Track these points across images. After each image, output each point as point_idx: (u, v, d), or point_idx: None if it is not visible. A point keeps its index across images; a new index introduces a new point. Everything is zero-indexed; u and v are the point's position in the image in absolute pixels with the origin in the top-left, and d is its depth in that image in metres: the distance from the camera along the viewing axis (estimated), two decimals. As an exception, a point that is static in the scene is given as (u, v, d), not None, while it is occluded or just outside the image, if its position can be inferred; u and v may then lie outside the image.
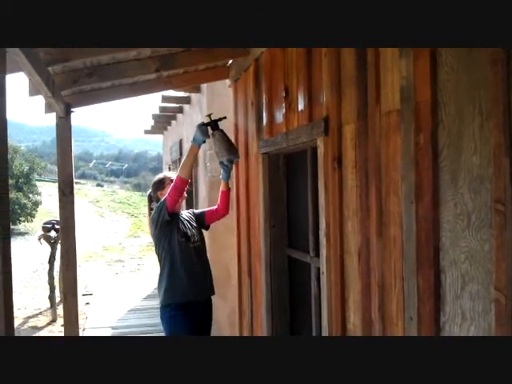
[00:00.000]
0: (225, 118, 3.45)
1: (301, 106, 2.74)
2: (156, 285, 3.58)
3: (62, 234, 3.50)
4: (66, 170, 3.52)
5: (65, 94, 3.58)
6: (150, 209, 3.69)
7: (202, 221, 3.68)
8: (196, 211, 3.80)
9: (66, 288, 3.45)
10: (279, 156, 3.45)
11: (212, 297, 4.66)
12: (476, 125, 1.46)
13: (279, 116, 3.13)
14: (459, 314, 1.57)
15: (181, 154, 7.61)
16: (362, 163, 2.09)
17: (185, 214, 3.67)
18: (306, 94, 2.64)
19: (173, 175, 3.60)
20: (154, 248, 3.55)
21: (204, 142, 3.36)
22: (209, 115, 3.37)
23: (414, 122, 1.69)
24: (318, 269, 2.81)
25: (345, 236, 2.33)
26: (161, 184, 3.63)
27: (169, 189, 3.37)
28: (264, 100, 3.40)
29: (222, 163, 3.41)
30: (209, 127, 3.31)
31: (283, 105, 3.01)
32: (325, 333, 2.53)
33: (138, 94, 3.98)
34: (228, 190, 3.61)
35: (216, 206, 3.71)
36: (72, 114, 3.82)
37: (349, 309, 2.33)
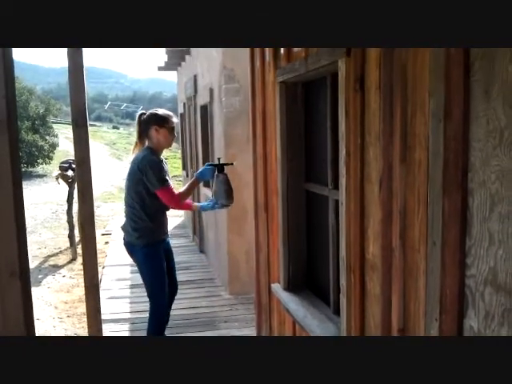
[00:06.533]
0: (232, 164, 4.00)
1: (321, 28, 2.58)
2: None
3: (77, 166, 3.44)
4: (78, 100, 3.42)
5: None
6: (140, 129, 3.79)
7: None
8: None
9: (83, 219, 3.43)
10: (297, 85, 3.31)
11: (229, 234, 5.38)
12: (514, 31, 1.33)
13: (297, 41, 2.98)
14: (486, 238, 1.49)
15: (195, 90, 7.46)
16: (386, 83, 1.97)
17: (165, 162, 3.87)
18: (329, 47, 2.48)
19: (175, 122, 3.82)
20: (128, 184, 3.77)
21: (208, 180, 3.92)
22: (218, 158, 3.90)
23: (445, 32, 1.56)
24: (336, 201, 2.75)
25: (366, 164, 2.24)
26: (163, 121, 3.71)
27: (165, 131, 3.69)
28: (281, 25, 3.24)
29: (214, 202, 3.82)
30: (216, 168, 3.77)
31: (302, 28, 2.85)
32: (342, 263, 2.49)
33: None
34: (193, 210, 4.39)
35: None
36: (84, 54, 3.67)
37: (368, 238, 2.27)
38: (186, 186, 3.84)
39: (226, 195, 3.74)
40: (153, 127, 3.68)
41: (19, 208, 1.50)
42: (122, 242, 3.94)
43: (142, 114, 3.80)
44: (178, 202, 3.73)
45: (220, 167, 3.76)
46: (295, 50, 3.04)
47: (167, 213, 3.94)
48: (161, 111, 3.79)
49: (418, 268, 1.85)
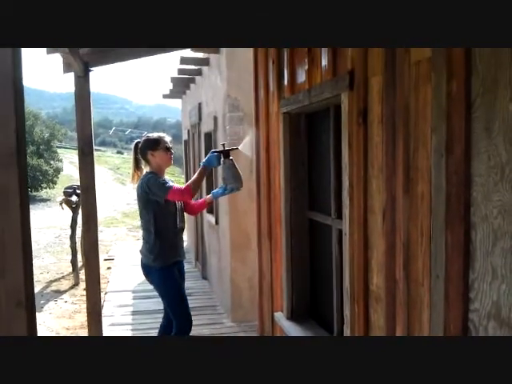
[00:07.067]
0: (236, 148, 3.89)
1: (324, 61, 2.64)
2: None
3: (83, 193, 3.50)
4: (85, 129, 3.49)
5: (83, 52, 3.52)
6: (136, 158, 3.88)
7: None
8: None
9: (88, 247, 3.46)
10: (301, 115, 3.36)
11: (232, 261, 5.30)
12: (514, 70, 1.36)
13: (301, 72, 3.03)
14: (489, 272, 1.50)
15: (200, 118, 7.53)
16: (388, 117, 2.00)
17: (170, 180, 3.87)
18: (330, 47, 2.54)
19: (169, 140, 3.85)
20: (139, 206, 3.80)
21: (215, 167, 3.85)
22: (222, 144, 3.84)
23: (446, 70, 1.59)
24: (340, 230, 2.76)
25: (369, 195, 2.26)
26: (155, 144, 3.78)
27: (160, 153, 3.72)
28: (285, 57, 3.30)
29: (224, 188, 3.81)
30: (221, 155, 3.74)
31: (306, 60, 2.91)
32: (346, 294, 2.50)
33: (157, 52, 3.90)
34: (209, 203, 4.02)
35: (195, 203, 4.13)
36: (91, 80, 3.75)
37: (372, 270, 2.28)
38: (194, 176, 3.76)
39: (235, 179, 3.74)
40: (148, 152, 3.75)
41: (27, 244, 1.51)
42: (140, 263, 3.96)
43: (137, 143, 3.89)
44: (191, 191, 3.63)
45: (225, 153, 3.74)
46: (298, 81, 3.10)
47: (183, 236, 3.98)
48: (152, 135, 3.89)
49: (421, 301, 1.85)
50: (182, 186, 3.68)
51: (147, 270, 3.87)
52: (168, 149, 3.79)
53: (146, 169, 3.85)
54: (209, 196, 4.03)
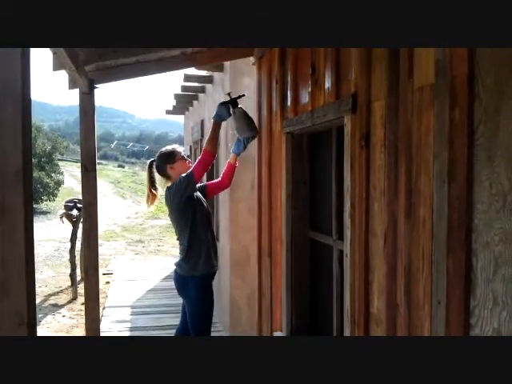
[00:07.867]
0: (243, 95, 3.61)
1: (328, 83, 2.67)
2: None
3: (84, 209, 3.51)
4: (88, 145, 3.52)
5: (89, 69, 3.56)
6: (151, 178, 3.80)
7: (203, 194, 3.82)
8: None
9: (88, 263, 3.46)
10: (303, 136, 3.38)
11: (231, 277, 5.08)
12: (516, 100, 1.38)
13: (305, 94, 3.06)
14: (490, 299, 1.51)
15: (202, 134, 7.57)
16: (391, 142, 2.02)
17: None
18: (334, 71, 2.57)
19: (182, 150, 3.78)
20: (175, 218, 3.68)
21: (226, 119, 3.62)
22: (228, 94, 3.60)
23: (449, 97, 1.61)
24: (341, 251, 2.77)
25: (370, 217, 2.27)
26: (171, 157, 3.72)
27: (179, 164, 3.64)
28: (289, 78, 3.33)
29: (242, 141, 3.62)
30: (230, 105, 3.53)
31: (309, 82, 2.94)
32: (346, 316, 2.49)
33: (162, 70, 3.94)
34: (235, 164, 3.79)
35: (219, 179, 3.93)
36: (95, 93, 3.79)
37: (373, 292, 2.28)
38: (208, 134, 3.60)
39: (250, 127, 3.56)
40: (167, 167, 3.69)
41: (30, 262, 1.52)
42: (173, 276, 3.84)
43: (152, 162, 3.84)
44: (208, 153, 3.51)
45: (233, 102, 3.54)
46: (302, 103, 3.12)
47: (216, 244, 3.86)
48: (165, 150, 3.84)
49: (422, 326, 1.85)
50: (199, 157, 3.56)
51: (182, 281, 3.72)
52: (183, 158, 3.73)
53: (167, 184, 3.78)
54: (231, 157, 3.84)
